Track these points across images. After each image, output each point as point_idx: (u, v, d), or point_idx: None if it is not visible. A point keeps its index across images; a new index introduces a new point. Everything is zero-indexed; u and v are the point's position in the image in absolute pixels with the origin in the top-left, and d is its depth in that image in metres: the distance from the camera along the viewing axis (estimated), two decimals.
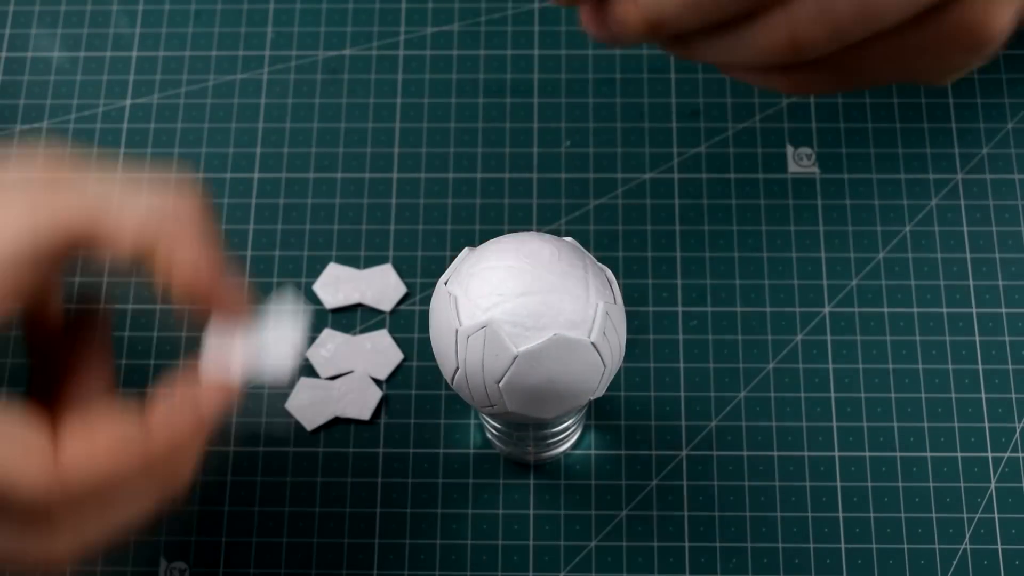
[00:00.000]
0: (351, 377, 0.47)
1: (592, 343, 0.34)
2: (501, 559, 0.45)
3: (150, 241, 0.33)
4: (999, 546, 0.45)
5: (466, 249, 0.37)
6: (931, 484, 0.46)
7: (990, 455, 0.46)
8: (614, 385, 0.47)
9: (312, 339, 0.48)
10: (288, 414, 0.47)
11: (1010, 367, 0.47)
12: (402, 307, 0.49)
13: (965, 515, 0.45)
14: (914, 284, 0.49)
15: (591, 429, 0.47)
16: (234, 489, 0.46)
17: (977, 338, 0.48)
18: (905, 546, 0.45)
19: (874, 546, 0.45)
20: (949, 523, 0.45)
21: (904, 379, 0.47)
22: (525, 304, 0.34)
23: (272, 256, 0.49)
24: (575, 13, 0.53)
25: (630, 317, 0.48)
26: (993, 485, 0.46)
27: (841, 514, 0.45)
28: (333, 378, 0.47)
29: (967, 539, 0.45)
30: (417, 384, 0.47)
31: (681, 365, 0.48)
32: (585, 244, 0.49)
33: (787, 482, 0.46)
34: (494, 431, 0.44)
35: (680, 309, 0.48)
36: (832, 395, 0.47)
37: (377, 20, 0.54)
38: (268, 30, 0.53)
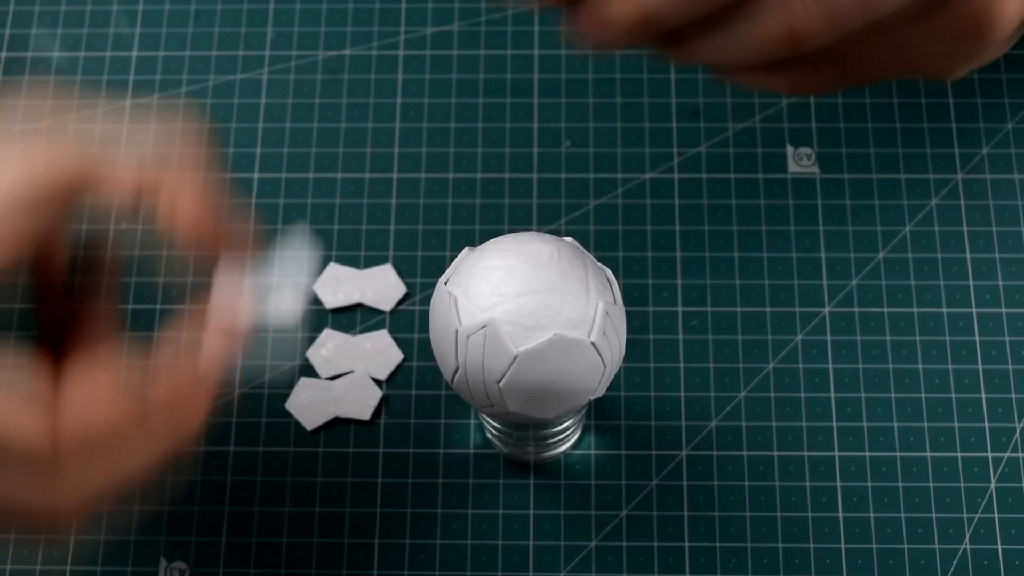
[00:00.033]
0: (351, 377, 0.47)
1: (592, 343, 0.34)
2: (501, 559, 0.45)
3: (153, 185, 0.32)
4: (999, 546, 0.45)
5: (466, 249, 0.37)
6: (931, 484, 0.46)
7: (990, 455, 0.46)
8: (614, 385, 0.47)
9: (313, 339, 0.48)
10: (288, 413, 0.47)
11: (1010, 367, 0.47)
12: (402, 307, 0.49)
13: (965, 515, 0.45)
14: (914, 284, 0.49)
15: (591, 429, 0.47)
16: (234, 489, 0.46)
17: (977, 338, 0.48)
18: (905, 546, 0.45)
19: (874, 546, 0.45)
20: (949, 523, 0.45)
21: (904, 379, 0.47)
22: (525, 304, 0.34)
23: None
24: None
25: (630, 317, 0.48)
26: (993, 485, 0.46)
27: (841, 514, 0.45)
28: (333, 378, 0.47)
29: (967, 539, 0.45)
30: (417, 384, 0.47)
31: (681, 365, 0.48)
32: (585, 244, 0.49)
33: (787, 482, 0.46)
34: (494, 431, 0.44)
35: (680, 309, 0.48)
36: (832, 395, 0.47)
37: (377, 20, 0.54)
38: (268, 30, 0.53)
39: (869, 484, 0.46)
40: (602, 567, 0.45)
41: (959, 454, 0.46)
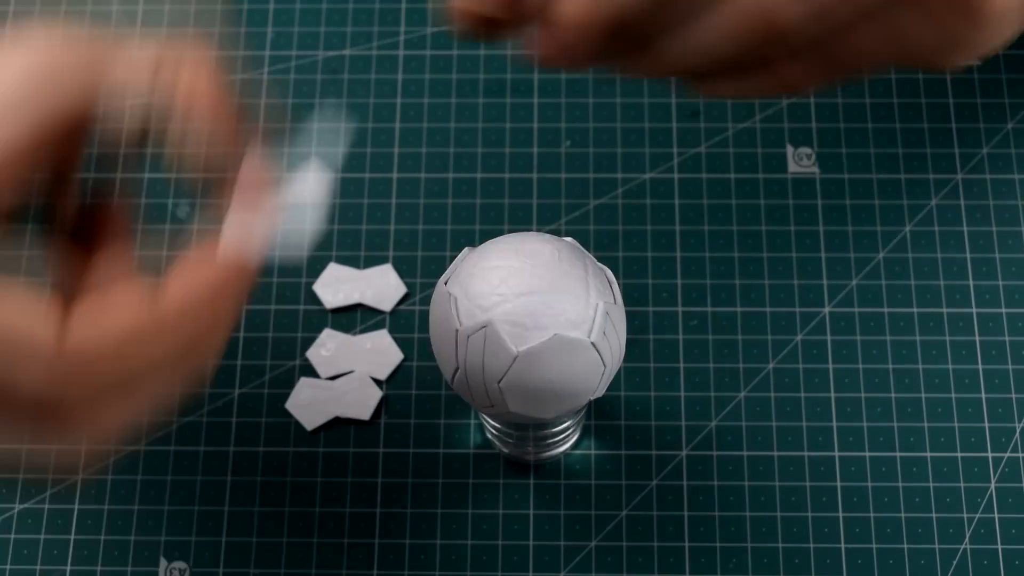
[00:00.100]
0: (351, 377, 0.47)
1: (592, 343, 0.34)
2: (501, 559, 0.45)
3: (163, 106, 0.31)
4: (999, 546, 0.45)
5: (466, 249, 0.37)
6: (931, 484, 0.46)
7: (990, 455, 0.46)
8: (614, 385, 0.47)
9: (313, 339, 0.48)
10: (289, 413, 0.47)
11: (1010, 367, 0.47)
12: (402, 307, 0.49)
13: (965, 515, 0.45)
14: (914, 284, 0.49)
15: (591, 429, 0.47)
16: (234, 489, 0.46)
17: (977, 338, 0.48)
18: (905, 546, 0.45)
19: (874, 546, 0.45)
20: (949, 523, 0.45)
21: (904, 379, 0.47)
22: (525, 304, 0.34)
23: (272, 256, 0.49)
24: None
25: (630, 317, 0.48)
26: (993, 485, 0.46)
27: (841, 514, 0.45)
28: (333, 378, 0.47)
29: (967, 539, 0.45)
30: (417, 384, 0.47)
31: (681, 365, 0.48)
32: (585, 244, 0.49)
33: (787, 482, 0.46)
34: (494, 431, 0.44)
35: (680, 309, 0.48)
36: (832, 395, 0.47)
37: (377, 20, 0.54)
38: (268, 30, 0.53)
39: (869, 484, 0.46)
40: (602, 567, 0.45)
41: (959, 454, 0.46)
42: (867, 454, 0.46)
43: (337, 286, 0.49)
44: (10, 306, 0.28)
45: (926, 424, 0.46)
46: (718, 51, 0.29)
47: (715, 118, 0.51)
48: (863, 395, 0.47)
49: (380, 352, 0.48)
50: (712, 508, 0.45)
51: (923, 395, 0.47)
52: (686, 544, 0.45)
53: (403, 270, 0.49)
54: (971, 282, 0.48)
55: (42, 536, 0.46)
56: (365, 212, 0.50)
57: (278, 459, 0.47)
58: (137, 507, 0.46)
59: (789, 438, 0.46)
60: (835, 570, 0.45)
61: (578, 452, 0.46)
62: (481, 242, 0.38)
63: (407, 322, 0.48)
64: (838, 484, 0.46)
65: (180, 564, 0.45)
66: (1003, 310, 0.48)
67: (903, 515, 0.45)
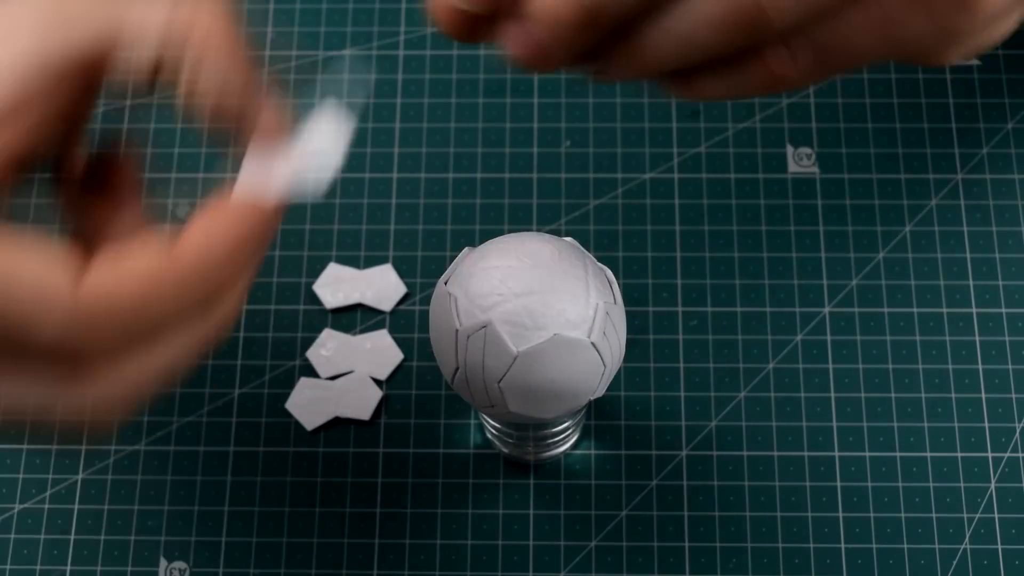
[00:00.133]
0: (351, 377, 0.47)
1: (592, 343, 0.34)
2: (501, 559, 0.45)
3: (175, 53, 0.30)
4: (999, 546, 0.45)
5: (466, 249, 0.37)
6: (931, 484, 0.46)
7: (990, 455, 0.46)
8: (614, 385, 0.47)
9: (313, 339, 0.48)
10: (289, 413, 0.47)
11: (1010, 367, 0.47)
12: (402, 307, 0.49)
13: (965, 515, 0.45)
14: (914, 284, 0.48)
15: (591, 429, 0.47)
16: (234, 489, 0.46)
17: (977, 338, 0.48)
18: (905, 546, 0.45)
19: (874, 546, 0.45)
20: (949, 523, 0.45)
21: (904, 379, 0.47)
22: (525, 304, 0.34)
23: (272, 256, 0.49)
24: None
25: (630, 317, 0.48)
26: (993, 485, 0.46)
27: (841, 514, 0.45)
28: (333, 378, 0.47)
29: (967, 539, 0.45)
30: (417, 384, 0.47)
31: (681, 365, 0.48)
32: (585, 244, 0.49)
33: (787, 482, 0.46)
34: (494, 431, 0.44)
35: (680, 309, 0.48)
36: (832, 395, 0.47)
37: (377, 20, 0.54)
38: (268, 30, 0.53)
39: (869, 484, 0.46)
40: (602, 567, 0.45)
41: (959, 454, 0.46)
42: (867, 454, 0.46)
43: (337, 286, 0.49)
44: (27, 252, 0.28)
45: (926, 424, 0.46)
46: (702, 40, 0.28)
47: (715, 118, 0.51)
48: (863, 395, 0.47)
49: (380, 352, 0.48)
50: (712, 508, 0.45)
51: (923, 395, 0.47)
52: (686, 544, 0.45)
53: (403, 270, 0.49)
54: (971, 282, 0.48)
55: (42, 536, 0.46)
56: (365, 212, 0.50)
57: (278, 459, 0.47)
58: (137, 507, 0.46)
59: (789, 438, 0.46)
60: (835, 570, 0.45)
61: (578, 452, 0.46)
62: (481, 242, 0.38)
63: (407, 322, 0.48)
64: (838, 484, 0.46)
65: (180, 564, 0.45)
66: (1003, 310, 0.48)
67: (903, 515, 0.45)
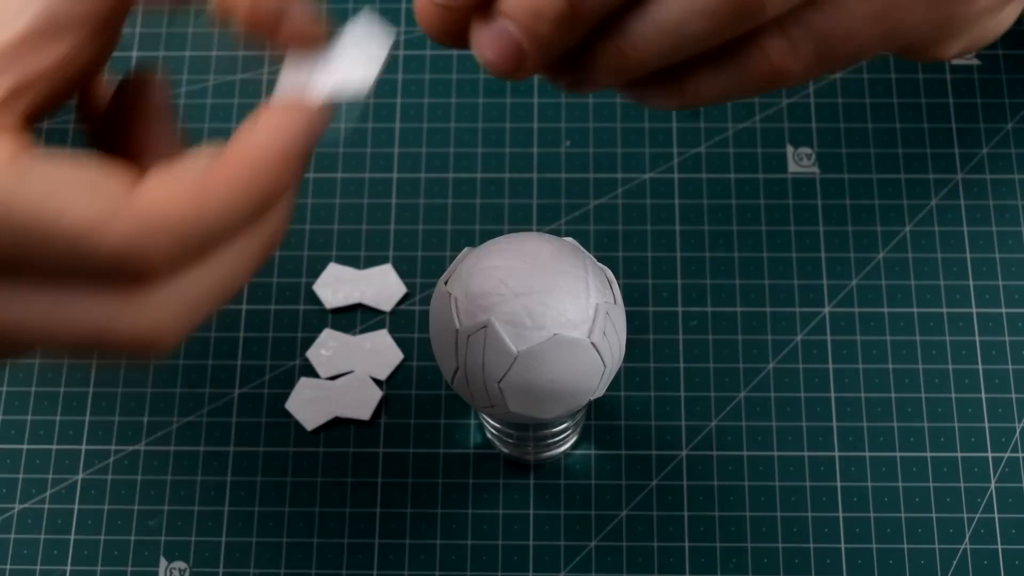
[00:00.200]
0: (351, 377, 0.47)
1: (592, 343, 0.34)
2: (501, 559, 0.45)
3: None
4: (999, 546, 0.45)
5: (466, 249, 0.37)
6: (931, 484, 0.46)
7: (990, 455, 0.46)
8: (614, 385, 0.47)
9: (313, 339, 0.48)
10: (289, 413, 0.47)
11: (1010, 367, 0.47)
12: (402, 307, 0.49)
13: (965, 515, 0.45)
14: (914, 284, 0.49)
15: (591, 429, 0.47)
16: (234, 489, 0.46)
17: (977, 338, 0.48)
18: (905, 546, 0.45)
19: (874, 546, 0.45)
20: (949, 523, 0.45)
21: (904, 379, 0.47)
22: (525, 304, 0.34)
23: (272, 256, 0.49)
24: None
25: (630, 317, 0.48)
26: (993, 485, 0.46)
27: (841, 514, 0.45)
28: (333, 378, 0.47)
29: (967, 539, 0.45)
30: (417, 384, 0.47)
31: (681, 365, 0.48)
32: (585, 244, 0.49)
33: (787, 482, 0.46)
34: (494, 431, 0.44)
35: (680, 309, 0.48)
36: (832, 395, 0.47)
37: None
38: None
39: (869, 484, 0.46)
40: (602, 567, 0.45)
41: (959, 454, 0.46)
42: (867, 454, 0.46)
43: (337, 286, 0.49)
44: (82, 169, 0.27)
45: (926, 424, 0.46)
46: (693, 30, 0.27)
47: (715, 118, 0.51)
48: (863, 395, 0.47)
49: (380, 352, 0.48)
50: (712, 508, 0.45)
51: (923, 395, 0.47)
52: (686, 544, 0.45)
53: (403, 270, 0.49)
54: (971, 282, 0.48)
55: (42, 536, 0.46)
56: (365, 212, 0.50)
57: (278, 459, 0.47)
58: (137, 507, 0.46)
59: (789, 438, 0.46)
60: (835, 570, 0.45)
61: (578, 452, 0.46)
62: (481, 242, 0.38)
63: (407, 322, 0.48)
64: (838, 484, 0.46)
65: (180, 564, 0.45)
66: (1003, 310, 0.48)
67: (903, 515, 0.45)
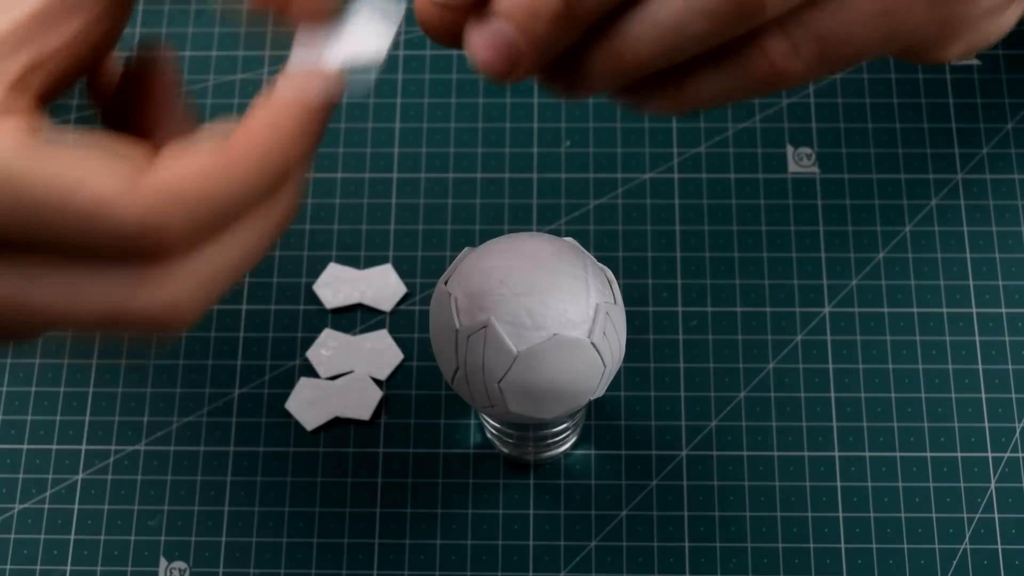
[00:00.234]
0: (351, 377, 0.47)
1: (592, 343, 0.34)
2: (501, 559, 0.45)
3: None
4: (999, 546, 0.45)
5: (466, 249, 0.37)
6: (931, 484, 0.46)
7: (990, 455, 0.46)
8: (614, 385, 0.47)
9: (313, 339, 0.48)
10: (289, 413, 0.47)
11: (1010, 367, 0.47)
12: (402, 307, 0.49)
13: (965, 515, 0.45)
14: (914, 284, 0.49)
15: (591, 429, 0.47)
16: (234, 489, 0.46)
17: (977, 338, 0.48)
18: (905, 546, 0.45)
19: (874, 546, 0.45)
20: (949, 523, 0.45)
21: (904, 379, 0.47)
22: (525, 304, 0.34)
23: (272, 256, 0.49)
24: None
25: (630, 317, 0.48)
26: (993, 485, 0.46)
27: (841, 514, 0.45)
28: (333, 378, 0.47)
29: (967, 539, 0.45)
30: (417, 384, 0.47)
31: (681, 365, 0.48)
32: (585, 244, 0.49)
33: (787, 482, 0.46)
34: (494, 431, 0.44)
35: (680, 309, 0.48)
36: (832, 395, 0.47)
37: None
38: (268, 30, 0.53)
39: (869, 484, 0.46)
40: (602, 567, 0.45)
41: (959, 454, 0.46)
42: (867, 454, 0.46)
43: (337, 286, 0.49)
44: (96, 148, 0.27)
45: (926, 424, 0.46)
46: (693, 29, 0.26)
47: (715, 118, 0.51)
48: (863, 395, 0.47)
49: (380, 352, 0.48)
50: (712, 508, 0.45)
51: (923, 395, 0.47)
52: (686, 544, 0.45)
53: (403, 270, 0.49)
54: (971, 282, 0.48)
55: (42, 536, 0.46)
56: (365, 212, 0.50)
57: (278, 459, 0.47)
58: (137, 507, 0.46)
59: (789, 438, 0.46)
60: (835, 570, 0.45)
61: (578, 452, 0.46)
62: (481, 242, 0.38)
63: (407, 322, 0.48)
64: (838, 484, 0.46)
65: (180, 564, 0.45)
66: (1003, 310, 0.48)
67: (903, 515, 0.45)
